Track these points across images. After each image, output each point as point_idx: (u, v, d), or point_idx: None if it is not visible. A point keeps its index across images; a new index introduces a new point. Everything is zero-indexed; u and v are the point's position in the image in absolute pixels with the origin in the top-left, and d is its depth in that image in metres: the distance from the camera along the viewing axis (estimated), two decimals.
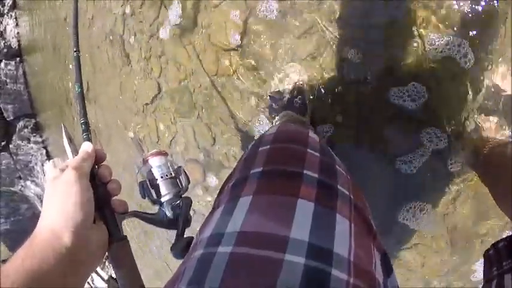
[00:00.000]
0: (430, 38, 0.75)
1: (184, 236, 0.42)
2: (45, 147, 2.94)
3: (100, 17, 1.46)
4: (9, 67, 3.07)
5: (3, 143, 2.99)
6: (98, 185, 0.38)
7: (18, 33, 3.08)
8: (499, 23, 0.71)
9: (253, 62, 0.95)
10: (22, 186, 3.13)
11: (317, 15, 0.84)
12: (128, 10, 1.27)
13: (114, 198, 0.39)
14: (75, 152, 0.41)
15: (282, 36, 0.88)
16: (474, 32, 0.72)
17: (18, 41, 3.10)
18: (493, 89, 0.77)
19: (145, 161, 0.45)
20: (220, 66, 1.00)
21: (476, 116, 0.78)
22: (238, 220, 0.31)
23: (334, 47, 0.84)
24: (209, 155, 1.13)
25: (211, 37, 1.00)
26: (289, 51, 0.89)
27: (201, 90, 1.07)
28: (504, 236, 0.48)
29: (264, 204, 0.32)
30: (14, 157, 3.06)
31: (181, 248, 0.40)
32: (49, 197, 0.35)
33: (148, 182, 0.44)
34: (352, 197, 0.37)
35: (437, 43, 0.75)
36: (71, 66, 1.81)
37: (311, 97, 0.89)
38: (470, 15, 0.72)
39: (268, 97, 0.94)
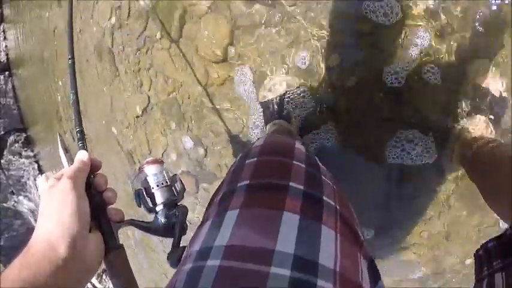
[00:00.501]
0: (418, 37, 0.77)
1: (181, 244, 0.42)
2: (36, 162, 2.91)
3: (88, 30, 1.47)
4: None
5: None
6: (93, 194, 0.39)
7: (6, 46, 3.06)
8: (490, 23, 0.72)
9: (241, 72, 0.96)
10: (15, 201, 3.09)
11: (304, 22, 0.85)
12: (115, 23, 1.28)
13: (110, 207, 0.40)
14: (70, 161, 0.41)
15: (270, 45, 0.90)
16: (464, 32, 0.74)
17: (7, 54, 3.08)
18: (481, 88, 0.79)
19: (141, 169, 0.45)
20: (208, 77, 1.01)
21: (464, 114, 0.80)
22: (226, 234, 0.32)
23: (322, 53, 0.85)
24: (201, 166, 1.13)
25: (198, 49, 1.01)
26: (278, 59, 0.90)
27: (190, 101, 1.08)
28: (494, 236, 0.48)
29: (251, 218, 0.33)
30: (6, 172, 3.02)
31: (177, 256, 0.40)
32: (45, 206, 0.35)
33: (144, 191, 0.44)
34: (338, 207, 0.37)
35: (425, 43, 0.77)
36: (56, 79, 1.80)
37: (300, 103, 0.90)
38: (459, 15, 0.74)
39: (258, 105, 0.95)
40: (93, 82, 1.47)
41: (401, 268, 0.98)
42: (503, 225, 0.86)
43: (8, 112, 2.95)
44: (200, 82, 1.02)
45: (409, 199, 0.90)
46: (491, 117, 0.80)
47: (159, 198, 0.43)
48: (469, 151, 0.79)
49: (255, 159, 0.41)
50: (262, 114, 0.94)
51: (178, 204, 0.44)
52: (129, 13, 1.20)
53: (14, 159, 2.96)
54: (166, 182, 0.44)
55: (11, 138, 2.99)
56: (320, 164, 0.44)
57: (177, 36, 1.05)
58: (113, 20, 1.28)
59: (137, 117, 1.26)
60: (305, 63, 0.87)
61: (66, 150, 0.42)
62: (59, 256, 0.32)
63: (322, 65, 0.86)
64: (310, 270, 0.29)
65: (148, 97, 1.20)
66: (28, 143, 2.95)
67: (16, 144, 2.99)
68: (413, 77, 0.79)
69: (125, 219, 0.41)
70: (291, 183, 0.36)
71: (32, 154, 2.94)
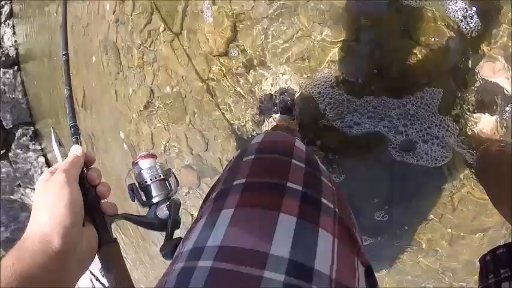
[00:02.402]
0: (424, 35, 0.76)
1: (174, 237, 0.43)
2: (44, 155, 2.99)
3: (94, 25, 1.51)
4: (7, 76, 3.13)
5: (2, 152, 3.05)
6: (87, 187, 0.39)
7: (15, 41, 3.15)
8: (498, 20, 0.71)
9: (242, 66, 0.97)
10: (22, 194, 3.19)
11: (305, 18, 0.86)
12: (119, 17, 1.31)
13: (103, 200, 0.40)
14: (64, 155, 0.42)
15: (270, 40, 0.91)
16: (470, 30, 0.73)
17: (16, 49, 3.17)
18: (488, 87, 0.77)
19: (134, 164, 0.46)
20: (210, 71, 1.03)
21: (471, 114, 0.79)
22: (220, 234, 0.31)
23: (323, 48, 0.86)
24: (203, 161, 1.15)
25: (200, 43, 1.03)
26: (278, 54, 0.91)
27: (192, 95, 1.10)
28: (502, 243, 0.47)
29: (246, 219, 0.33)
30: (14, 165, 3.12)
31: (170, 249, 0.41)
32: (39, 199, 0.36)
33: (137, 185, 0.45)
34: (336, 210, 0.36)
35: (431, 40, 0.76)
36: (59, 78, 1.85)
37: (301, 99, 0.91)
38: (466, 11, 0.73)
39: (258, 100, 0.97)
40: (99, 76, 1.51)
41: (401, 269, 0.98)
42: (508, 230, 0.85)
43: (17, 106, 3.04)
44: (202, 76, 1.04)
45: (413, 200, 0.90)
46: (499, 117, 0.79)
47: (153, 192, 0.44)
48: (476, 152, 0.78)
49: (253, 157, 0.41)
50: (263, 108, 0.95)
51: (172, 197, 0.45)
52: (133, 7, 1.23)
53: (21, 152, 3.05)
54: (160, 176, 0.45)
55: (19, 132, 3.08)
56: (320, 164, 0.44)
57: (180, 30, 1.07)
58: (118, 14, 1.31)
59: (141, 111, 1.30)
60: (305, 57, 0.88)
61: (60, 144, 0.43)
62: (53, 249, 0.32)
63: (323, 60, 0.87)
64: (305, 276, 0.28)
65: (152, 91, 1.23)
66: (36, 136, 3.04)
67: (24, 138, 3.08)
68: (417, 74, 0.79)
69: (119, 212, 0.41)
70: (288, 184, 0.36)
71: (39, 148, 3.03)
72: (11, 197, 3.13)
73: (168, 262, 0.38)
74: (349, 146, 0.88)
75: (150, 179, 0.44)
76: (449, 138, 0.81)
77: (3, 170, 3.07)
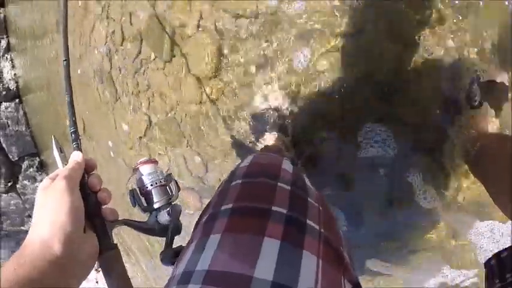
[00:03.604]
0: (418, 37, 0.78)
1: (174, 244, 0.44)
2: None
3: (87, 56, 1.58)
4: (9, 109, 3.24)
5: (10, 184, 3.14)
6: (88, 193, 0.39)
7: (15, 74, 3.27)
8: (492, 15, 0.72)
9: (233, 87, 1.01)
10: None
11: (288, 32, 0.90)
12: (111, 47, 1.37)
13: (104, 206, 0.41)
14: (65, 161, 0.42)
15: (257, 58, 0.95)
16: (465, 24, 0.74)
17: (16, 82, 3.28)
18: (483, 80, 0.78)
19: (135, 169, 0.46)
20: (202, 94, 1.07)
21: (466, 108, 0.80)
22: (208, 258, 0.34)
23: (311, 61, 0.89)
24: (203, 182, 1.19)
25: (190, 67, 1.07)
26: (267, 72, 0.95)
27: (187, 119, 1.14)
28: (507, 247, 0.47)
29: (232, 243, 0.35)
30: (22, 197, 3.21)
31: (169, 256, 0.42)
32: (40, 206, 0.37)
33: (138, 190, 0.45)
34: (322, 230, 0.38)
35: (424, 39, 0.76)
36: (61, 103, 1.92)
37: (292, 115, 0.94)
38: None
39: (251, 119, 1.00)
40: (96, 105, 1.58)
41: (405, 270, 0.99)
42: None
43: (21, 138, 3.14)
44: (195, 99, 1.09)
45: (412, 200, 0.91)
46: (496, 110, 0.78)
47: (154, 197, 0.44)
48: (473, 148, 0.78)
49: (240, 181, 0.43)
50: (256, 126, 0.98)
51: (173, 203, 0.45)
52: (123, 37, 1.29)
53: (29, 183, 3.15)
54: (161, 181, 0.45)
55: (26, 163, 3.18)
56: (308, 183, 0.46)
57: (169, 57, 1.12)
58: (110, 44, 1.37)
59: (140, 137, 1.35)
60: (294, 74, 0.91)
61: (61, 151, 0.43)
62: (54, 255, 0.33)
63: (312, 75, 0.89)
64: None
65: (149, 117, 1.28)
66: (42, 167, 3.13)
67: (31, 169, 3.17)
68: (407, 73, 0.80)
69: (119, 218, 0.42)
70: (273, 208, 0.38)
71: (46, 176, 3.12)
72: (22, 228, 3.22)
73: (167, 268, 0.41)
74: (343, 157, 0.90)
75: (151, 185, 0.44)
76: (442, 137, 0.82)
77: (12, 202, 3.16)
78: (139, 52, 1.22)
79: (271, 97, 0.95)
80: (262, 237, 0.34)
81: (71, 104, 0.46)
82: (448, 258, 0.95)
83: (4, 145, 3.10)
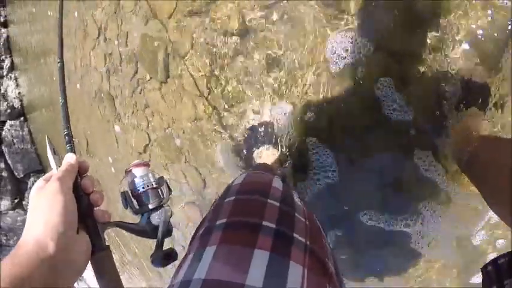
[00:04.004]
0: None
1: (164, 246, 0.45)
2: None
3: (88, 76, 1.64)
4: (14, 127, 3.32)
5: (16, 200, 3.21)
6: (81, 195, 0.40)
7: (19, 93, 3.36)
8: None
9: (226, 104, 1.06)
10: None
11: (282, 45, 0.94)
12: (110, 68, 1.43)
13: (96, 208, 0.42)
14: (59, 163, 0.43)
15: (248, 75, 0.99)
16: (458, 29, 0.74)
17: (21, 100, 3.37)
18: (474, 81, 0.79)
19: (127, 172, 0.47)
20: (197, 111, 1.12)
21: (460, 112, 0.81)
22: (204, 268, 0.37)
23: (299, 75, 0.92)
24: (203, 196, 1.23)
25: (184, 85, 1.12)
26: (259, 87, 0.99)
27: (184, 135, 1.18)
28: (504, 252, 0.47)
29: (226, 254, 0.39)
30: None
31: (160, 257, 0.43)
32: (33, 207, 0.37)
33: (130, 193, 0.46)
34: (308, 243, 0.42)
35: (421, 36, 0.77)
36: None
37: (285, 128, 0.97)
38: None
39: (245, 135, 1.04)
40: (98, 124, 1.63)
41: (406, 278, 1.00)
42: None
43: (26, 156, 3.22)
44: (191, 116, 1.13)
45: (410, 206, 0.93)
46: (489, 111, 0.79)
47: (145, 200, 0.45)
48: (466, 151, 0.76)
49: (233, 197, 0.47)
50: (250, 142, 1.02)
51: (164, 206, 0.46)
52: (120, 58, 1.34)
53: None
54: (153, 184, 0.46)
55: (31, 180, 3.25)
56: (296, 200, 0.50)
57: (165, 76, 1.17)
58: (108, 65, 1.43)
59: (140, 153, 1.39)
60: (284, 88, 0.95)
61: (55, 152, 0.44)
62: (48, 254, 0.34)
63: (301, 88, 0.93)
64: None
65: (148, 135, 1.33)
66: None
67: None
68: (403, 73, 0.81)
69: (111, 220, 0.43)
70: (264, 222, 0.42)
71: None
72: None
73: (157, 269, 0.43)
74: (340, 159, 0.93)
75: (143, 187, 0.45)
76: (434, 140, 0.82)
77: (18, 218, 3.22)
78: (136, 72, 1.28)
79: (263, 112, 0.99)
80: (253, 249, 0.38)
81: (65, 106, 0.48)
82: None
83: (10, 162, 3.18)
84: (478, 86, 0.79)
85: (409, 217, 0.94)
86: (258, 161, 0.97)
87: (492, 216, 0.89)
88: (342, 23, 0.85)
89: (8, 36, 3.16)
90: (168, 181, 0.49)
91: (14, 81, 3.38)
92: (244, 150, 1.04)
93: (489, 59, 0.77)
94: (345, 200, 0.97)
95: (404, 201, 0.94)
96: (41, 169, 3.23)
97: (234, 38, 0.98)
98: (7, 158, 3.19)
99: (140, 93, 1.29)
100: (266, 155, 0.95)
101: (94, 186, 0.42)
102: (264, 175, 0.58)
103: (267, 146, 0.97)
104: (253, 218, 0.43)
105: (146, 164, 0.47)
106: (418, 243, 0.97)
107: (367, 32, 0.83)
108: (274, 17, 0.91)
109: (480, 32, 0.75)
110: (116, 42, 1.35)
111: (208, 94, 1.08)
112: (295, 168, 0.97)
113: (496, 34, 0.75)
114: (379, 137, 0.88)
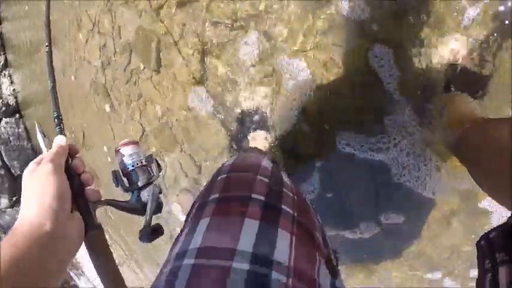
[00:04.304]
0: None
1: (152, 222, 0.46)
2: None
3: (83, 70, 1.66)
4: (10, 124, 3.33)
5: (14, 198, 3.23)
6: (72, 175, 0.42)
7: (14, 90, 3.37)
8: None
9: (219, 91, 1.09)
10: None
11: (266, 34, 0.96)
12: (104, 60, 1.45)
13: (87, 188, 0.43)
14: (49, 146, 0.45)
15: (238, 60, 1.02)
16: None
17: (16, 97, 3.38)
18: (464, 68, 0.79)
19: (117, 151, 0.48)
20: (189, 99, 1.15)
21: (448, 94, 0.81)
22: (199, 238, 0.40)
23: (288, 61, 0.95)
24: (197, 183, 1.26)
25: (176, 74, 1.15)
26: (250, 74, 1.02)
27: (178, 124, 1.21)
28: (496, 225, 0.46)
29: (219, 224, 0.42)
30: None
31: (148, 233, 0.45)
32: (27, 189, 0.39)
33: (120, 172, 0.48)
34: (295, 214, 0.45)
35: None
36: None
37: (276, 113, 1.01)
38: None
39: (237, 120, 1.07)
40: (94, 116, 1.66)
41: (402, 268, 1.04)
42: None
43: (23, 153, 3.24)
44: (183, 105, 1.16)
45: (399, 192, 0.96)
46: (480, 96, 0.78)
47: (135, 178, 0.47)
48: (456, 133, 0.76)
49: (225, 175, 0.50)
50: (243, 126, 1.05)
51: (154, 183, 0.48)
52: (114, 49, 1.37)
53: None
54: (142, 162, 0.47)
55: None
56: (285, 179, 0.54)
57: (157, 66, 1.19)
58: (103, 57, 1.46)
59: None
60: (275, 71, 0.98)
61: (45, 135, 0.46)
62: (44, 234, 0.35)
63: (292, 71, 0.96)
64: (265, 264, 0.36)
65: (142, 125, 1.36)
66: None
67: None
68: (393, 49, 0.81)
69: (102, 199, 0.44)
70: (253, 195, 0.44)
71: None
72: None
73: (146, 245, 0.45)
74: (324, 153, 0.97)
75: (132, 165, 0.47)
76: (421, 122, 0.82)
77: (17, 216, 3.24)
78: (129, 62, 1.30)
79: (254, 98, 1.02)
80: (243, 218, 0.41)
81: (54, 89, 0.49)
82: None
83: (6, 160, 3.19)
84: (469, 73, 0.79)
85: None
86: (251, 144, 1.00)
87: None
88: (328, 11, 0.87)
89: (1, 33, 3.16)
90: (157, 159, 0.51)
91: (9, 78, 3.38)
92: (239, 135, 1.07)
93: (479, 49, 0.77)
94: (332, 188, 1.00)
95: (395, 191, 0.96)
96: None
97: (224, 28, 1.01)
98: (3, 156, 3.21)
99: (134, 84, 1.31)
100: (258, 139, 0.98)
101: (84, 167, 0.44)
102: (254, 155, 0.62)
103: (258, 130, 1.00)
104: (244, 191, 0.46)
105: (135, 143, 0.49)
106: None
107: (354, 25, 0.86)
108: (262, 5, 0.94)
109: (470, 19, 0.76)
110: (111, 34, 1.37)
111: (200, 82, 1.11)
112: (286, 154, 1.01)
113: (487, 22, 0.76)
114: (369, 121, 0.91)
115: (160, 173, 0.52)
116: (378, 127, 0.89)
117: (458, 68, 0.80)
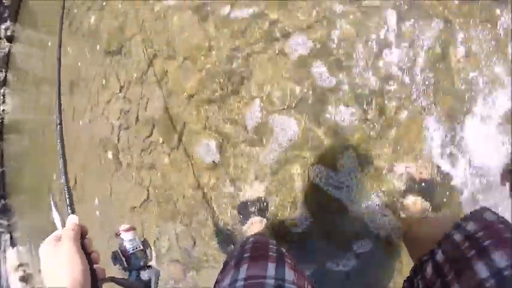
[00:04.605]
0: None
1: None
2: (9, 232, 2.91)
3: (97, 122, 1.78)
4: None
5: None
6: (86, 254, 0.48)
7: (3, 110, 3.31)
8: None
9: (228, 177, 1.24)
10: None
11: (275, 127, 1.16)
12: (123, 123, 1.60)
13: (95, 265, 0.50)
14: (62, 222, 0.51)
15: (251, 155, 1.20)
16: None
17: (2, 118, 3.30)
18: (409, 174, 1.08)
19: (117, 235, 0.57)
20: (200, 180, 1.29)
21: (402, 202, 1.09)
22: (243, 273, 0.57)
23: (291, 156, 1.14)
24: (190, 255, 1.32)
25: (193, 157, 1.31)
26: (259, 170, 1.19)
27: (184, 200, 1.33)
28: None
29: (254, 266, 0.60)
30: None
31: None
32: (53, 263, 0.46)
33: (120, 253, 0.56)
34: (293, 264, 0.64)
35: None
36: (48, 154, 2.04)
37: (272, 202, 1.17)
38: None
39: (238, 207, 1.22)
40: (95, 169, 1.73)
41: None
42: None
43: None
44: (193, 185, 1.29)
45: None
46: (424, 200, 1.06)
47: (135, 260, 0.56)
48: (405, 227, 1.05)
49: (250, 245, 0.69)
50: (242, 212, 1.19)
51: (150, 265, 0.57)
52: (137, 119, 1.53)
53: None
54: (140, 246, 0.57)
55: None
56: (286, 254, 0.70)
57: (176, 145, 1.35)
58: (122, 120, 1.60)
59: (134, 207, 1.49)
60: (274, 169, 1.16)
61: (57, 210, 0.61)
62: None
63: (288, 168, 1.14)
64: (282, 281, 0.55)
65: (148, 191, 1.45)
66: (5, 211, 3.00)
67: None
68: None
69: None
70: (270, 253, 0.65)
71: (6, 223, 2.96)
72: None
73: None
74: (312, 237, 1.10)
75: (132, 250, 0.56)
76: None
77: None
78: (150, 134, 1.46)
79: (254, 189, 1.19)
80: (267, 262, 0.61)
81: (61, 130, 0.59)
82: None
83: None
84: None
85: None
86: (250, 228, 1.15)
87: None
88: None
89: (9, 51, 3.20)
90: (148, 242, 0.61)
91: (1, 97, 3.34)
92: (239, 217, 1.21)
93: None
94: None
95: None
96: (1, 194, 3.05)
97: (240, 128, 1.21)
98: None
99: (150, 154, 1.45)
100: (256, 224, 1.14)
101: (92, 246, 0.52)
102: (261, 237, 0.84)
103: (257, 216, 1.15)
104: (264, 252, 0.66)
105: (134, 229, 0.59)
106: None
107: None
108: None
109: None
110: (137, 103, 1.54)
111: (213, 168, 1.27)
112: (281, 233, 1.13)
113: None
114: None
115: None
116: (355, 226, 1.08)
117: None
